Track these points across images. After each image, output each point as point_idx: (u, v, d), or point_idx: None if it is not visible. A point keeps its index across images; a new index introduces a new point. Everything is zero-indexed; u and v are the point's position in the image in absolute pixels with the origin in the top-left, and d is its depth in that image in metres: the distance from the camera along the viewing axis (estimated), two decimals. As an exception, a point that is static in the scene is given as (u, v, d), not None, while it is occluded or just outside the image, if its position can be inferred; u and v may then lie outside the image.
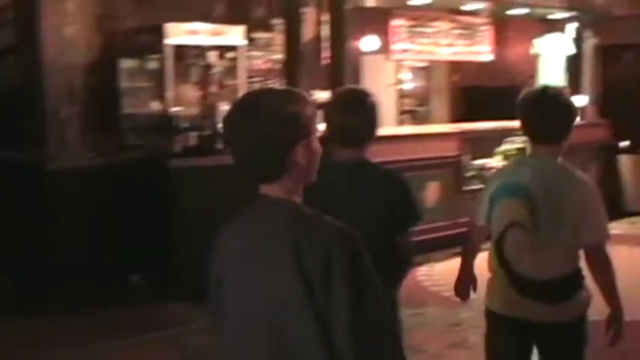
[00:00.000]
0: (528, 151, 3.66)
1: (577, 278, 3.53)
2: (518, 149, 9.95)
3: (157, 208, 7.58)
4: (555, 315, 3.45)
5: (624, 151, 11.24)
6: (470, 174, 9.47)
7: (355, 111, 3.45)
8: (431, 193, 8.79)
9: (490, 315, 3.66)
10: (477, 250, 3.86)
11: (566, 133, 3.50)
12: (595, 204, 3.47)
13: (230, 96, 11.44)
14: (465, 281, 3.85)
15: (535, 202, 3.40)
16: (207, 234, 2.58)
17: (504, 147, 9.98)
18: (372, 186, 3.42)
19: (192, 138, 7.69)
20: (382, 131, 9.36)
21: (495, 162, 9.81)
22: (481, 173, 9.60)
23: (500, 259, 3.53)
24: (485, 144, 9.85)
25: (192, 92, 8.45)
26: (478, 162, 9.63)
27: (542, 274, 3.42)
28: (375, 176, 3.48)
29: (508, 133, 10.10)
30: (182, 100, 8.19)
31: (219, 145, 7.49)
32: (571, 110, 3.54)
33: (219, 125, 7.87)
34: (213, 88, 8.57)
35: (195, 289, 2.99)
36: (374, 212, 3.32)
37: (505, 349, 3.61)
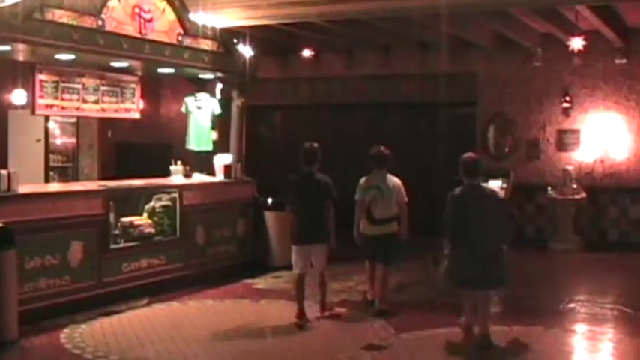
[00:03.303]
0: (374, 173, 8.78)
1: (397, 216, 8.68)
2: (165, 207, 10.03)
3: None
4: (387, 230, 8.63)
5: (269, 208, 11.67)
6: (116, 232, 9.36)
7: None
8: (75, 252, 8.53)
9: (364, 237, 8.72)
10: (366, 208, 8.70)
11: (388, 163, 8.72)
12: (401, 188, 8.70)
13: None
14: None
15: (382, 190, 8.60)
16: None
17: (152, 204, 10.01)
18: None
19: None
20: (26, 189, 8.89)
21: (143, 220, 9.82)
22: (129, 231, 9.53)
23: (368, 213, 8.62)
24: (132, 201, 9.82)
25: None
26: (125, 219, 9.54)
27: (386, 215, 8.63)
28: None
29: (157, 189, 10.22)
30: None
31: None
32: (387, 155, 8.78)
33: None
34: None
35: None
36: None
37: (369, 249, 8.81)
